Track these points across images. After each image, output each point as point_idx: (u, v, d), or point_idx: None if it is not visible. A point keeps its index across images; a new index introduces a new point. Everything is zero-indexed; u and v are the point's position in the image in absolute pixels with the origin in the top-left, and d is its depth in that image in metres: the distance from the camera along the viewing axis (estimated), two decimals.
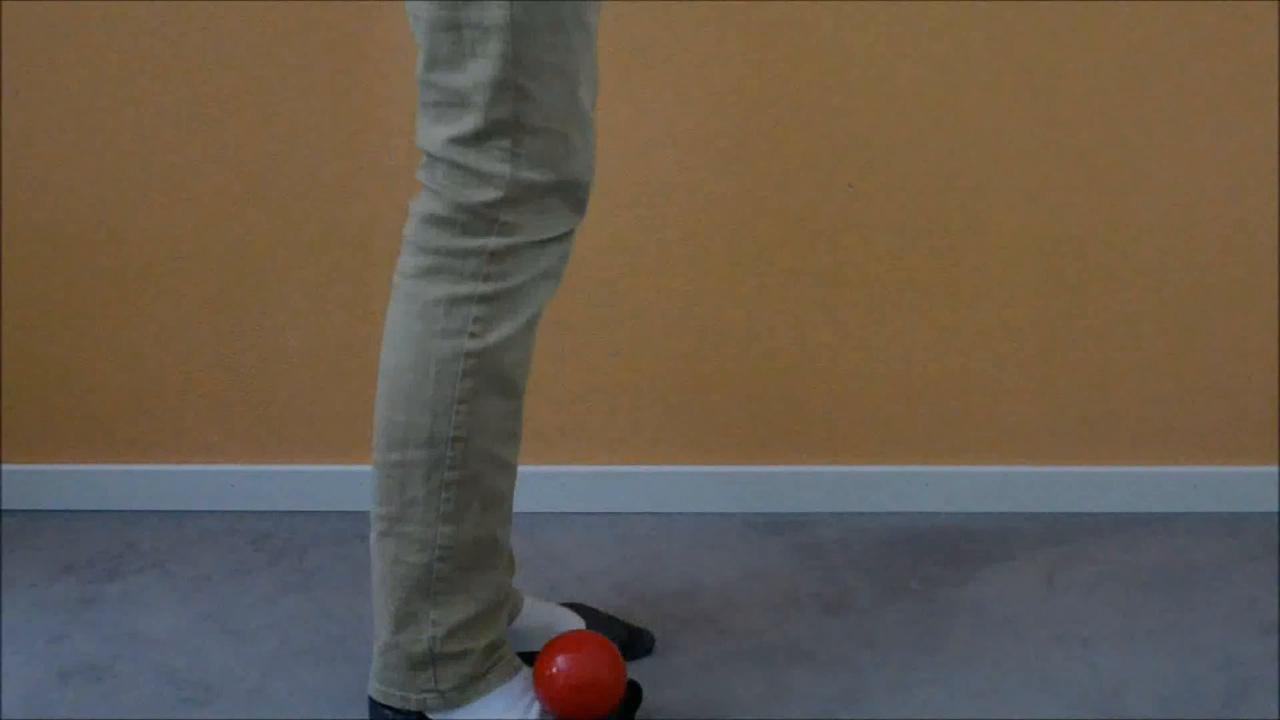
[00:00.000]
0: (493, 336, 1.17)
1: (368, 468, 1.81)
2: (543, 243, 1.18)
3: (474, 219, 1.16)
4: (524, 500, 1.74)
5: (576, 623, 1.44)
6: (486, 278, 1.17)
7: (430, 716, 1.26)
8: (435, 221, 1.17)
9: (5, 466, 1.83)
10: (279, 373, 1.79)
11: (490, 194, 1.15)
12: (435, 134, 1.17)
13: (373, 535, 1.23)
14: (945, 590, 1.61)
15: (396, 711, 1.26)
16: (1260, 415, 1.78)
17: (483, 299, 1.17)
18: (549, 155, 1.15)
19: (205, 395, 1.80)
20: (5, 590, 1.63)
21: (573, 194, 1.19)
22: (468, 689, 1.25)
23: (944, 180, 1.70)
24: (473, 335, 1.17)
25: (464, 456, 1.19)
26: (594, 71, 1.20)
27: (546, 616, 1.43)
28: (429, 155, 1.18)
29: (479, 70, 1.12)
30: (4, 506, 1.84)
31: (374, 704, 1.27)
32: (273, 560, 1.70)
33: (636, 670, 1.44)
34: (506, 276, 1.17)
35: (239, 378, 1.80)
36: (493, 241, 1.16)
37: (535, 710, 1.26)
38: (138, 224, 1.74)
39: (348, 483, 1.81)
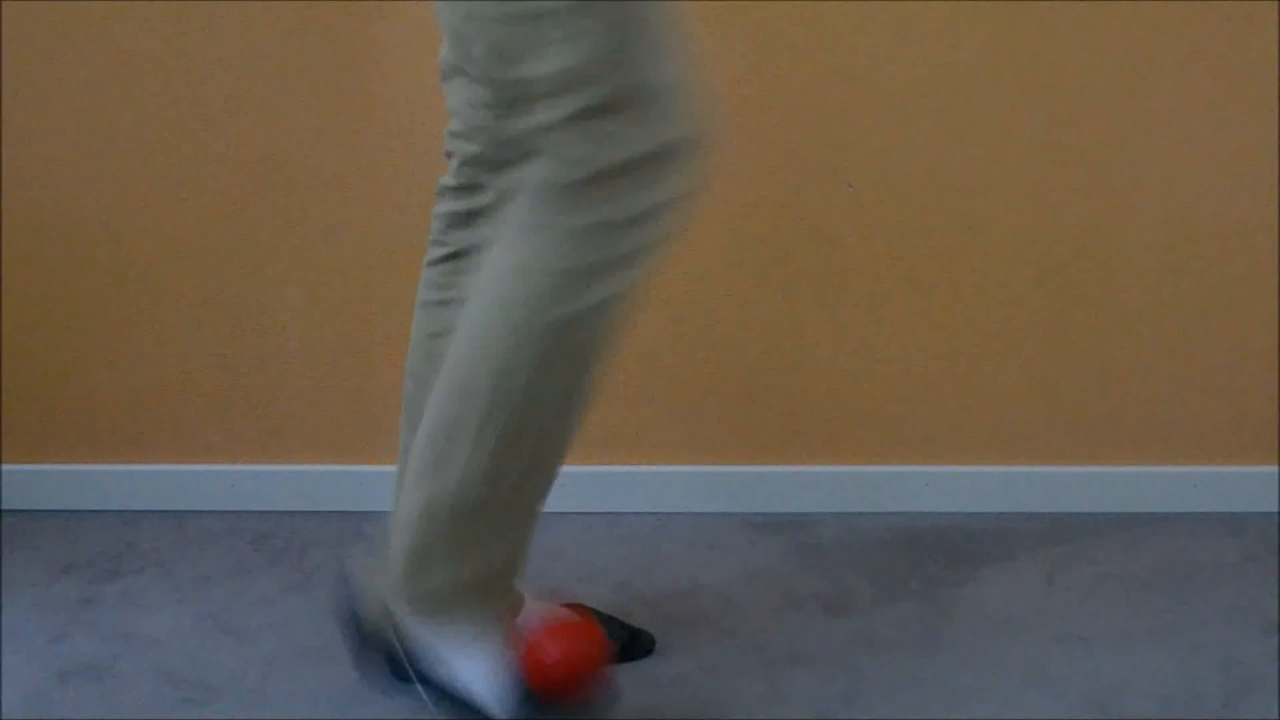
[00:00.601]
0: (567, 310, 1.15)
1: (368, 468, 1.81)
2: (627, 221, 1.14)
3: (561, 196, 1.13)
4: None
5: None
6: (568, 252, 1.14)
7: (401, 627, 1.27)
8: (524, 195, 1.15)
9: (5, 466, 1.83)
10: (279, 373, 1.79)
11: (581, 173, 1.12)
12: (520, 125, 1.14)
13: (409, 476, 1.22)
14: (945, 590, 1.61)
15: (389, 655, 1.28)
16: (1260, 415, 1.78)
17: (562, 272, 1.15)
18: (642, 126, 1.12)
19: (205, 395, 1.80)
20: (5, 590, 1.63)
21: (670, 161, 1.14)
22: (445, 628, 1.26)
23: (944, 180, 1.70)
24: (548, 306, 1.15)
25: (517, 422, 1.18)
26: (683, 30, 1.15)
27: (545, 616, 1.44)
28: (509, 139, 1.16)
29: (565, 55, 1.09)
30: (4, 506, 1.84)
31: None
32: (273, 560, 1.70)
33: (637, 670, 1.44)
34: (589, 252, 1.14)
35: (239, 378, 1.79)
36: (577, 218, 1.14)
37: (508, 670, 1.26)
38: (138, 224, 1.74)
39: (348, 483, 1.81)
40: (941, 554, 1.70)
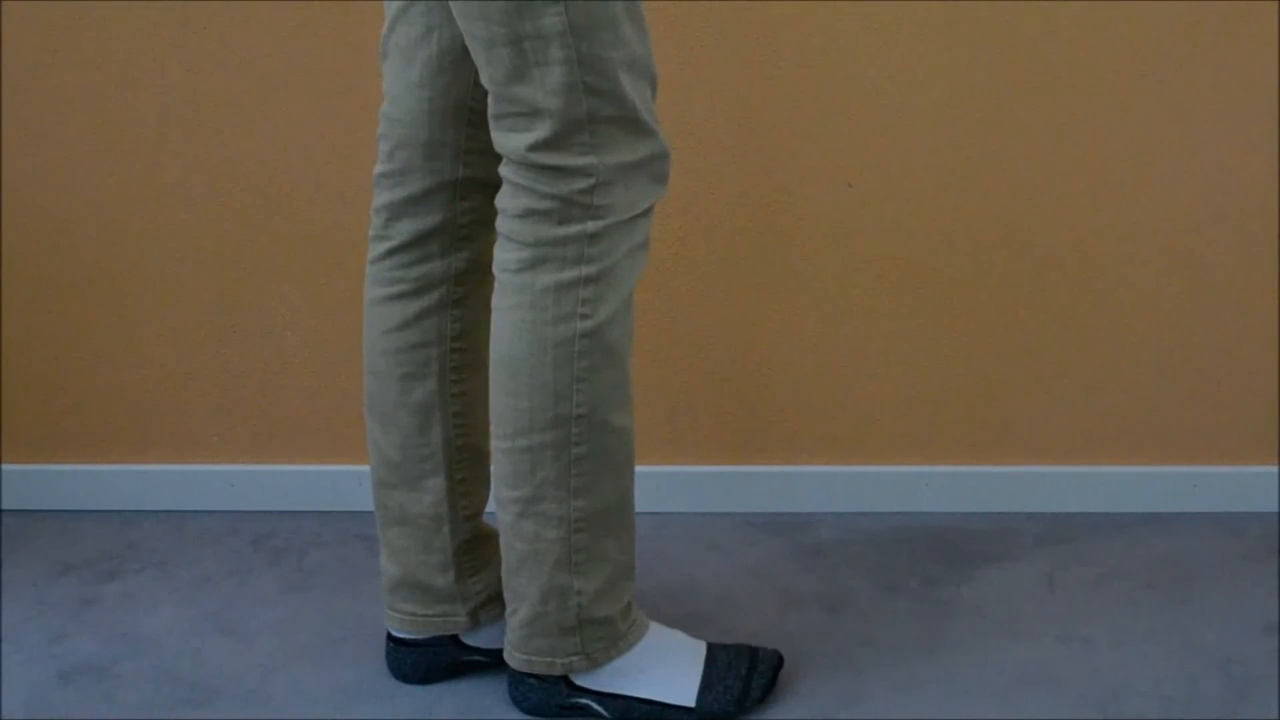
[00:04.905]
0: (601, 314, 1.22)
1: (368, 468, 1.80)
2: (633, 219, 1.23)
3: (569, 207, 1.20)
4: None
5: None
6: (588, 260, 1.21)
7: (574, 679, 1.33)
8: (532, 215, 1.20)
9: (5, 466, 1.83)
10: (279, 373, 1.79)
11: (581, 183, 1.19)
12: (513, 142, 1.20)
13: (507, 518, 1.28)
14: (945, 590, 1.61)
15: (541, 679, 1.32)
16: (1260, 415, 1.78)
17: (588, 281, 1.21)
18: (627, 138, 1.20)
19: (205, 395, 1.80)
20: (5, 590, 1.63)
21: (658, 168, 1.24)
22: (611, 649, 1.32)
23: (944, 180, 1.70)
24: (583, 316, 1.22)
25: (588, 432, 1.24)
26: (650, 54, 1.23)
27: None
28: (510, 160, 1.21)
29: (546, 78, 1.16)
30: (4, 506, 1.84)
31: (516, 676, 1.34)
32: (273, 560, 1.70)
33: None
34: (605, 256, 1.22)
35: (239, 378, 1.80)
36: (589, 225, 1.20)
37: (702, 649, 1.37)
38: (138, 224, 1.74)
39: (348, 483, 1.81)
40: (941, 554, 1.70)
